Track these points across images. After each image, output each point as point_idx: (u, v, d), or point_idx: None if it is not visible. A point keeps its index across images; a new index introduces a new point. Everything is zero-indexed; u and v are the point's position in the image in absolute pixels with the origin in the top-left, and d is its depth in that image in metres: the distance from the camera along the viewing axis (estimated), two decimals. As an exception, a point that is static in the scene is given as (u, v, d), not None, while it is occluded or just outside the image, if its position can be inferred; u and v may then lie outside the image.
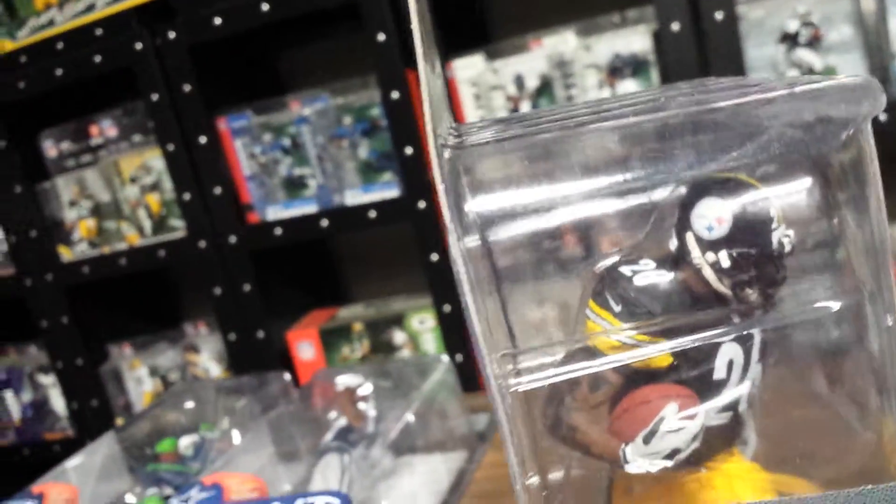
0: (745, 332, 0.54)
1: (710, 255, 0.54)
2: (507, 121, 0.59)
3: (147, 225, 1.71)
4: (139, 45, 1.56)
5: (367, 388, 1.17)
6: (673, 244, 0.55)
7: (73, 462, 1.15)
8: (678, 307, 0.54)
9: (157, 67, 1.57)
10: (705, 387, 0.55)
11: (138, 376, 1.84)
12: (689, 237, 0.54)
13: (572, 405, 0.57)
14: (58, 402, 1.94)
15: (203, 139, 1.58)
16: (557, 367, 0.53)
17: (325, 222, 1.55)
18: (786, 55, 1.27)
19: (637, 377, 0.56)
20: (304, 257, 1.78)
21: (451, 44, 1.46)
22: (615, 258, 0.56)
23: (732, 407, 0.57)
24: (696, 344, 0.53)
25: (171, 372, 1.84)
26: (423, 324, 1.59)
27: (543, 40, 1.41)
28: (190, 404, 1.27)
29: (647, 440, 0.55)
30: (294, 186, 1.58)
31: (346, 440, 1.09)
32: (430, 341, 1.59)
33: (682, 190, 0.54)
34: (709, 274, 0.54)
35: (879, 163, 0.49)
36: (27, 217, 1.78)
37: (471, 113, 1.44)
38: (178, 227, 1.68)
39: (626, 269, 0.56)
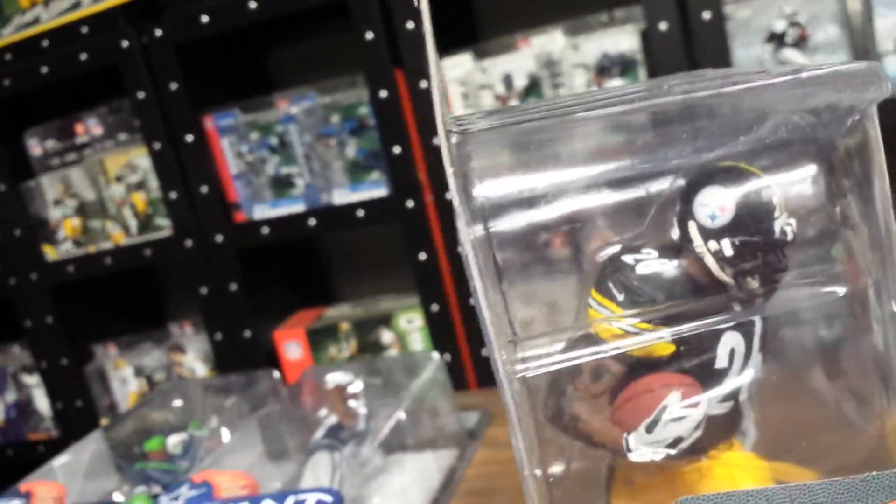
0: (746, 321, 0.55)
1: (713, 244, 0.54)
2: (509, 110, 0.59)
3: (133, 224, 1.70)
4: (125, 43, 1.55)
5: (357, 386, 1.17)
6: (675, 233, 0.55)
7: (60, 461, 1.13)
8: (680, 295, 0.55)
9: (144, 65, 1.56)
10: (707, 375, 0.55)
11: (123, 376, 1.82)
12: (692, 226, 0.54)
13: (574, 395, 0.57)
14: (42, 403, 1.92)
15: (189, 138, 1.57)
16: (560, 354, 0.53)
17: (312, 221, 1.54)
18: (773, 55, 1.28)
19: (639, 366, 0.56)
20: (292, 257, 1.77)
21: (440, 43, 1.45)
22: (618, 247, 0.56)
23: (733, 397, 0.57)
24: (698, 331, 0.53)
25: (156, 372, 1.83)
26: (411, 323, 1.59)
27: (531, 39, 1.41)
28: (178, 403, 1.26)
29: (650, 429, 0.55)
30: (281, 185, 1.57)
31: (337, 438, 1.09)
32: (418, 341, 1.59)
33: (685, 178, 0.54)
34: (711, 262, 0.54)
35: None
36: (11, 216, 1.76)
37: (459, 112, 1.44)
38: (164, 227, 1.67)
39: (628, 258, 0.56)
